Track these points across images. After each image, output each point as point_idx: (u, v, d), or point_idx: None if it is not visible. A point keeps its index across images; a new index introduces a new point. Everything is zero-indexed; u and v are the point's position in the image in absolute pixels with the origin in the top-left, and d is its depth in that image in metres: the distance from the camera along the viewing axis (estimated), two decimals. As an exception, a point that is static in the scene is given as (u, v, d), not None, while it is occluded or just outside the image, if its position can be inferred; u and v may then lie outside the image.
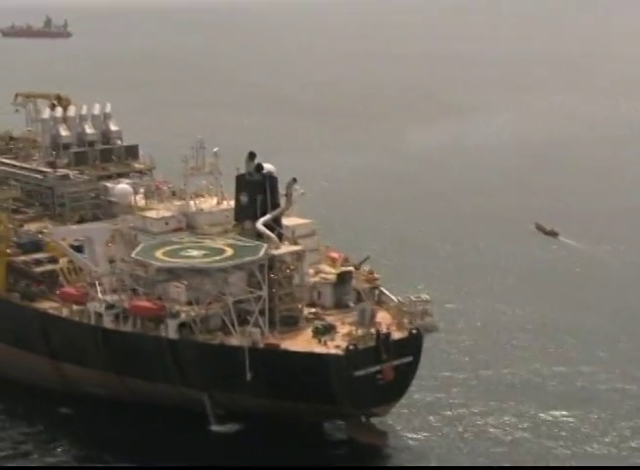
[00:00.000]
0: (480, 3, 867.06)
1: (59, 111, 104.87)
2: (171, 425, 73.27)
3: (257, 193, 75.10)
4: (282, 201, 76.08)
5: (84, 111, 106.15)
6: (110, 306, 73.86)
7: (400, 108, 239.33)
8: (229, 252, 69.47)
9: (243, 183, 76.13)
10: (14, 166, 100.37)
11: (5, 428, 75.83)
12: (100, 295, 74.85)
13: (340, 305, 75.08)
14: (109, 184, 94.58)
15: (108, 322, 74.12)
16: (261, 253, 69.23)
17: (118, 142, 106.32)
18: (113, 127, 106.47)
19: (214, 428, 71.90)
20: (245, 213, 75.79)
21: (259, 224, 73.85)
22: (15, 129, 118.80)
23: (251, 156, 76.53)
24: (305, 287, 73.51)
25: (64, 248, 78.03)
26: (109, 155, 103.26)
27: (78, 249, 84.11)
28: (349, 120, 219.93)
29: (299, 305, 72.51)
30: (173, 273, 69.69)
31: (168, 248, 70.84)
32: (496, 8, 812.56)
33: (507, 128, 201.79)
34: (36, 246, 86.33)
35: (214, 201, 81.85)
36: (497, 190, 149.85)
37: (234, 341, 69.02)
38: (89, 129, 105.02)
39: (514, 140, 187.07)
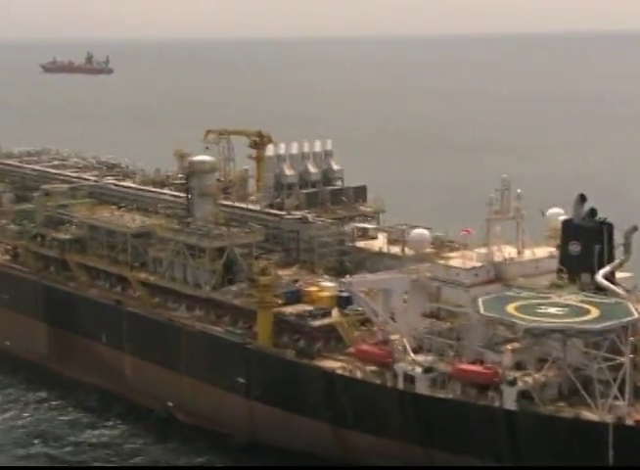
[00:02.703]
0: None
1: (282, 148, 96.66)
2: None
3: (594, 242, 65.87)
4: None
5: (306, 148, 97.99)
6: (428, 369, 64.50)
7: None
8: (594, 311, 60.01)
9: (574, 230, 66.95)
10: (241, 208, 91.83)
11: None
12: (412, 355, 65.57)
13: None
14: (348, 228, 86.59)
15: (423, 387, 64.74)
16: (634, 313, 59.77)
17: (339, 183, 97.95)
18: (334, 166, 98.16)
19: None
20: (577, 265, 66.53)
21: (601, 278, 64.46)
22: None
23: (582, 198, 67.52)
24: (656, 352, 63.93)
25: (363, 301, 68.91)
26: (338, 196, 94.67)
27: (347, 300, 75.76)
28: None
29: (651, 375, 63.04)
30: (534, 334, 60.33)
31: (517, 304, 61.60)
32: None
33: None
34: (296, 296, 77.62)
35: (513, 249, 72.45)
36: None
37: (592, 415, 59.38)
38: (312, 168, 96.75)
39: None
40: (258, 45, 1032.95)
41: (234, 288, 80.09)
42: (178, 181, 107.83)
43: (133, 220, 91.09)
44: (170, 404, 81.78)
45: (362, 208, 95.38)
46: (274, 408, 73.92)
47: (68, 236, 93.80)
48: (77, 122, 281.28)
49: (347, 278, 69.49)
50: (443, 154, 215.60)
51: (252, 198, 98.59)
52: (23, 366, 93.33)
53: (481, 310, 61.90)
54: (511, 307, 61.09)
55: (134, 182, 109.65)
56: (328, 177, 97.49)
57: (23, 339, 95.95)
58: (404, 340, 66.87)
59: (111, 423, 79.17)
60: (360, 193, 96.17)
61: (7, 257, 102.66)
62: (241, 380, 75.84)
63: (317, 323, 73.27)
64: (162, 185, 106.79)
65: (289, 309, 75.49)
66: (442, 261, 69.97)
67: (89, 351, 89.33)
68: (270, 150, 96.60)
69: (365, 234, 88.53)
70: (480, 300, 63.46)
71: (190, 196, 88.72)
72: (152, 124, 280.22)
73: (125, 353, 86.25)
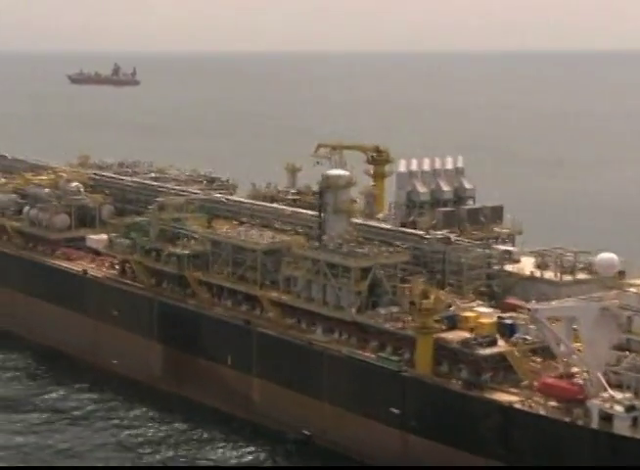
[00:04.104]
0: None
1: (414, 164, 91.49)
2: None
3: None
4: None
5: (437, 165, 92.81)
6: (630, 408, 58.73)
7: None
8: None
9: None
10: (376, 227, 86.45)
11: None
12: (610, 391, 59.80)
13: None
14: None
15: (623, 427, 58.96)
16: None
17: (470, 202, 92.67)
18: (466, 185, 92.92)
19: None
20: None
21: None
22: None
23: None
24: None
25: (548, 329, 63.24)
26: (475, 216, 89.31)
27: (511, 328, 70.29)
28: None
29: None
30: None
31: None
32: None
33: None
34: (453, 321, 72.15)
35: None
36: None
37: None
38: (444, 186, 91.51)
39: None
40: (287, 58, 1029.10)
41: (383, 311, 74.66)
42: (291, 196, 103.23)
43: (261, 236, 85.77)
44: (307, 433, 76.28)
45: (497, 229, 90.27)
46: (433, 442, 68.33)
47: (187, 251, 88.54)
48: (114, 132, 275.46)
49: (533, 304, 63.85)
50: (548, 171, 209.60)
51: (380, 215, 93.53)
52: (136, 388, 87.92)
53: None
54: None
55: (236, 196, 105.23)
56: (459, 196, 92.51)
57: (134, 358, 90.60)
58: (598, 374, 61.11)
59: (252, 454, 73.61)
60: (497, 213, 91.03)
61: (113, 271, 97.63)
62: (394, 410, 70.29)
63: (486, 352, 67.73)
64: (272, 200, 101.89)
65: (450, 336, 70.03)
66: (634, 289, 64.23)
67: (211, 372, 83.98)
68: (402, 165, 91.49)
69: (508, 257, 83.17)
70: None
71: (323, 212, 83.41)
72: (185, 136, 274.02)
73: (254, 377, 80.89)
